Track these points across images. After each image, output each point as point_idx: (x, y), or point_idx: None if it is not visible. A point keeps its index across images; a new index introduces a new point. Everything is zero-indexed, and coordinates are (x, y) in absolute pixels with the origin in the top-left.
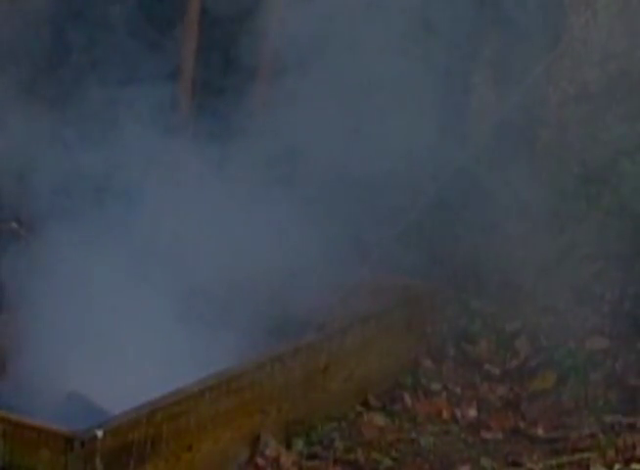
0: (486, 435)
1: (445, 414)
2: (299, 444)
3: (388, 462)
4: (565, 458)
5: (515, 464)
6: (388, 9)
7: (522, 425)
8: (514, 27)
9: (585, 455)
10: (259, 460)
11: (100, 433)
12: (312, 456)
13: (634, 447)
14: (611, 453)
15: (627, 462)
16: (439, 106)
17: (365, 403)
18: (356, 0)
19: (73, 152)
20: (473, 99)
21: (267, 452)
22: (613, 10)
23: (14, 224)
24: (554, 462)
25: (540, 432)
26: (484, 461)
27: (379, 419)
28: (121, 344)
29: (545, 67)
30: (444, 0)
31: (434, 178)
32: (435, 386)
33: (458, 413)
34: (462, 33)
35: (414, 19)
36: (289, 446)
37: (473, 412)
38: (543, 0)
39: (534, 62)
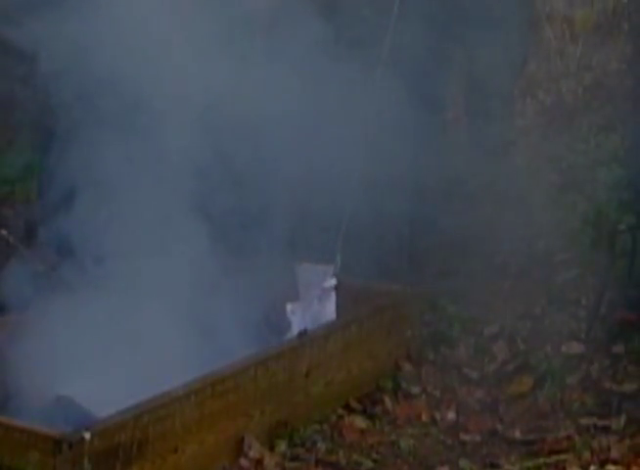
0: (465, 437)
1: (425, 417)
2: (282, 445)
3: (368, 464)
4: (541, 460)
5: (493, 466)
6: None
7: (499, 427)
8: (482, 42)
9: (561, 457)
10: (243, 462)
11: (87, 435)
12: (295, 458)
13: (609, 449)
14: (586, 455)
15: (602, 464)
16: (415, 119)
17: (346, 407)
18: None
19: None
20: (444, 113)
21: (251, 454)
22: (588, 23)
23: (3, 231)
24: (531, 464)
25: (517, 434)
26: (463, 463)
27: (360, 422)
28: (112, 349)
29: (516, 80)
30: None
31: (412, 183)
32: (415, 389)
33: (437, 416)
34: (429, 49)
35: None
36: (272, 448)
37: (452, 415)
38: (508, 15)
39: (505, 76)
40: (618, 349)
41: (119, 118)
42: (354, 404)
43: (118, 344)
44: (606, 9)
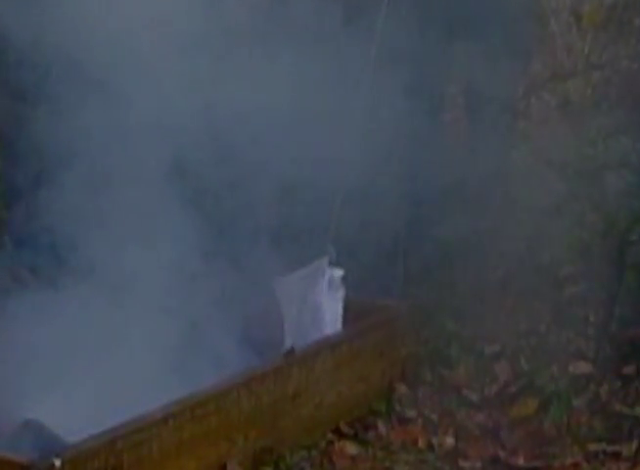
0: (464, 464)
1: (421, 442)
2: None
3: None
4: None
5: None
6: None
7: (501, 454)
8: (483, 39)
9: None
10: None
11: (58, 462)
12: None
13: None
14: None
15: None
16: (411, 121)
17: (336, 431)
18: None
19: None
20: (442, 115)
21: None
22: (597, 17)
23: None
24: None
25: (521, 461)
26: None
27: (351, 448)
28: (84, 365)
29: (519, 79)
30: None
31: (409, 188)
32: (411, 412)
33: (435, 441)
34: (426, 46)
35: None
36: None
37: (450, 440)
38: (511, 12)
39: (507, 75)
40: (630, 369)
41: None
42: (345, 429)
43: (91, 358)
44: (616, 2)
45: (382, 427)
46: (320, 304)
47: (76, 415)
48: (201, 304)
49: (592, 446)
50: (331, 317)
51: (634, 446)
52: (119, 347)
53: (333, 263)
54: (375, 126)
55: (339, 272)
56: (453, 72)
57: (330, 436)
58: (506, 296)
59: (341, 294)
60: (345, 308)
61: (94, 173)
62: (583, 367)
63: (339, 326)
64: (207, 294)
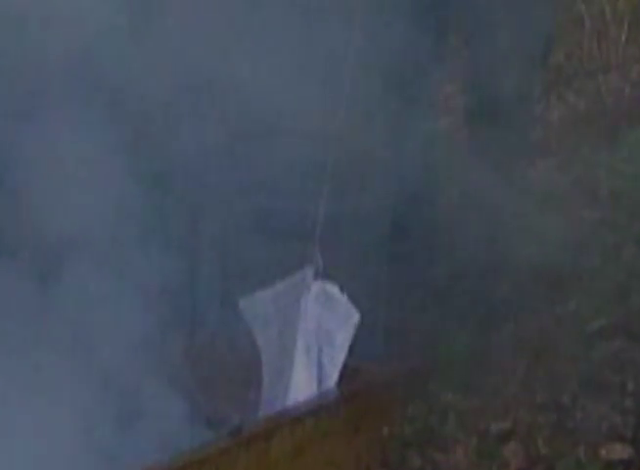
0: None
1: None
2: None
3: None
4: None
5: None
6: None
7: None
8: (489, 26)
9: None
10: None
11: None
12: None
13: None
14: None
15: None
16: (397, 131)
17: None
18: None
19: None
20: (437, 122)
21: None
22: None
23: None
24: None
25: None
26: None
27: None
28: None
29: (538, 76)
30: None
31: (395, 215)
32: None
33: None
34: (415, 37)
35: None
36: None
37: None
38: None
39: (521, 71)
40: None
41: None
42: None
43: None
44: None
45: None
46: (306, 325)
47: None
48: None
49: None
50: (330, 345)
51: None
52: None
53: (320, 275)
54: (349, 143)
55: (331, 288)
56: (449, 66)
57: None
58: (519, 356)
59: (352, 319)
60: None
61: None
62: (619, 451)
63: (340, 361)
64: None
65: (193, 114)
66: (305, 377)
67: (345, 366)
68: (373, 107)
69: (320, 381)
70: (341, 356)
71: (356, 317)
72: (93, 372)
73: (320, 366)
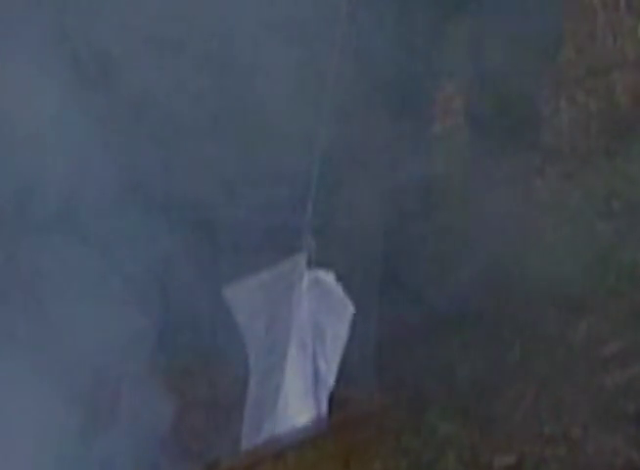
0: None
1: None
2: None
3: None
4: None
5: None
6: None
7: None
8: (492, 17)
9: None
10: None
11: None
12: None
13: None
14: None
15: None
16: (391, 133)
17: None
18: None
19: None
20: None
21: None
22: None
23: None
24: None
25: None
26: None
27: None
28: None
29: (545, 73)
30: None
31: (388, 230)
32: None
33: None
34: (411, 30)
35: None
36: None
37: None
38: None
39: (527, 67)
40: None
41: None
42: None
43: None
44: None
45: None
46: (299, 318)
47: None
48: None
49: None
50: (326, 340)
51: None
52: None
53: (313, 263)
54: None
55: (326, 276)
56: (448, 63)
57: None
58: (525, 384)
59: (347, 311)
60: None
61: None
62: None
63: (337, 357)
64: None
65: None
66: (299, 384)
67: (333, 395)
68: (359, 107)
69: (316, 387)
70: (336, 358)
71: (351, 310)
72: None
73: (316, 370)
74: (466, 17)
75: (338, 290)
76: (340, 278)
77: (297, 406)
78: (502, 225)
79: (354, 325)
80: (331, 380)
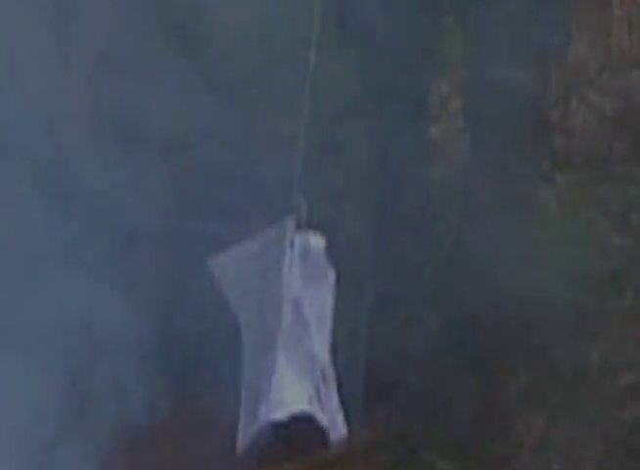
0: None
1: None
2: None
3: None
4: None
5: None
6: None
7: None
8: (493, 12)
9: None
10: None
11: None
12: None
13: None
14: None
15: None
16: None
17: None
18: None
19: None
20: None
21: None
22: None
23: None
24: None
25: None
26: None
27: None
28: None
29: (553, 72)
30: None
31: (383, 254)
32: None
33: None
34: (407, 27)
35: None
36: None
37: None
38: None
39: (533, 66)
40: None
41: None
42: None
43: None
44: None
45: None
46: (291, 289)
47: None
48: None
49: None
50: (316, 312)
51: None
52: None
53: (304, 226)
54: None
55: (317, 240)
56: (444, 61)
57: None
58: (531, 416)
59: (330, 278)
60: (285, 437)
61: None
62: None
63: (326, 330)
64: None
65: None
66: (293, 366)
67: (318, 431)
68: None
69: (311, 366)
70: (327, 331)
71: (332, 275)
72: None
73: (309, 348)
74: (459, 8)
75: (320, 254)
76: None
77: (291, 390)
78: (506, 240)
79: (341, 348)
80: (325, 357)
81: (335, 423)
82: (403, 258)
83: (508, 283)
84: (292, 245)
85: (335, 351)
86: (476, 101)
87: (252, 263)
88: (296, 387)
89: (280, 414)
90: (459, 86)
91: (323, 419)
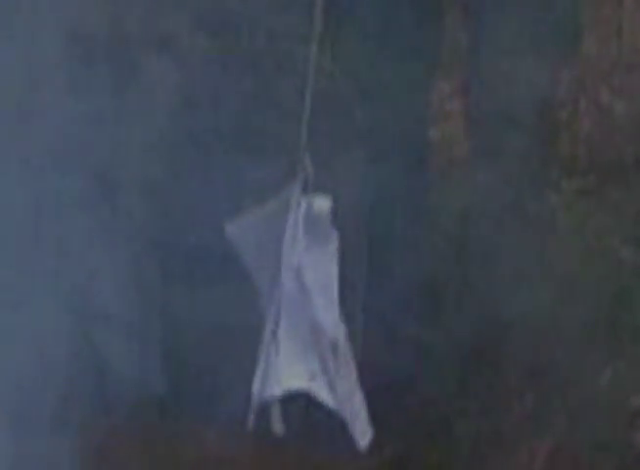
0: None
1: None
2: None
3: None
4: None
5: None
6: None
7: None
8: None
9: None
10: None
11: None
12: None
13: None
14: None
15: None
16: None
17: None
18: None
19: None
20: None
21: None
22: None
23: None
24: None
25: None
26: None
27: None
28: None
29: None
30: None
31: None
32: None
33: None
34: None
35: None
36: None
37: None
38: None
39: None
40: None
41: None
42: None
43: None
44: None
45: None
46: (291, 258)
47: None
48: None
49: None
50: (319, 279)
51: None
52: None
53: (310, 188)
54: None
55: (323, 203)
56: (444, 57)
57: None
58: (538, 440)
59: (332, 246)
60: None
61: None
62: None
63: (334, 299)
64: None
65: None
66: (296, 342)
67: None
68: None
69: (316, 341)
70: (334, 302)
71: (336, 242)
72: None
73: (314, 321)
74: (461, 11)
75: (325, 219)
76: None
77: (290, 365)
78: (509, 252)
79: None
80: (333, 329)
81: (352, 407)
82: (400, 272)
83: (512, 299)
84: (298, 207)
85: None
86: (477, 102)
87: (268, 226)
88: (295, 361)
89: (276, 391)
90: (460, 86)
91: (327, 399)
